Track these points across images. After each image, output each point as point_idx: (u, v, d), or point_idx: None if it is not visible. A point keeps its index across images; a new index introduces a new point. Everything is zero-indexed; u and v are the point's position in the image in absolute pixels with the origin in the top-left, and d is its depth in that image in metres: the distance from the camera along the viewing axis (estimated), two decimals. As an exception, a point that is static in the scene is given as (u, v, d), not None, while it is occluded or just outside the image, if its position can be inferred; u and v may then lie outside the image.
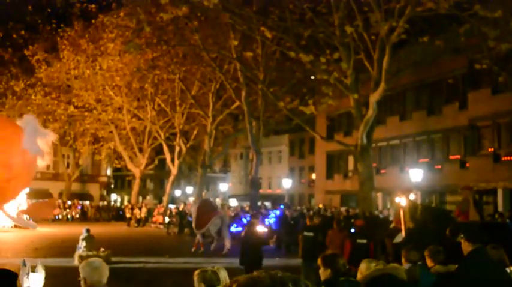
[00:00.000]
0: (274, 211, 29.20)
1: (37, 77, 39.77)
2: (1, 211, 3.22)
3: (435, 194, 32.68)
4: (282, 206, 30.85)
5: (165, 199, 45.42)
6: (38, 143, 3.06)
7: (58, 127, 44.54)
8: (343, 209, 30.98)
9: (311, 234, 13.80)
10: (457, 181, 27.12)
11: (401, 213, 12.09)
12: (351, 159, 38.01)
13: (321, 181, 45.50)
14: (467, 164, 29.67)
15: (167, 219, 36.44)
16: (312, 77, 32.82)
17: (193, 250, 22.17)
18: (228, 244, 21.67)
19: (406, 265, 6.60)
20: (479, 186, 25.55)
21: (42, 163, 3.23)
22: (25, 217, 3.52)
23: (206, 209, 22.87)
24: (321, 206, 33.96)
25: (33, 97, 40.69)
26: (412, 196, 13.95)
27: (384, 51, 22.93)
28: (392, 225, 15.20)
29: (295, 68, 32.72)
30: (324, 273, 5.26)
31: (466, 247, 5.88)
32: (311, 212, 29.64)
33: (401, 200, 12.51)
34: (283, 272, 2.21)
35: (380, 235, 15.49)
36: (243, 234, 14.66)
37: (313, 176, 49.75)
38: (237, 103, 35.47)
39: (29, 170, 3.12)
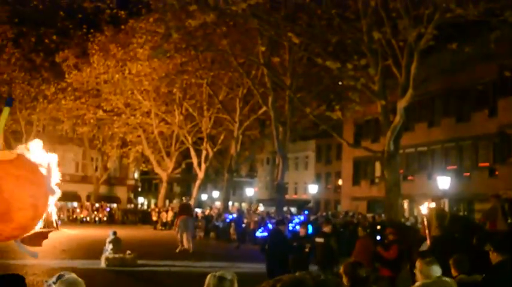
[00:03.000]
0: (299, 216, 29.12)
1: (67, 81, 40.37)
2: (17, 243, 3.67)
3: (463, 202, 32.26)
4: (306, 212, 30.76)
5: (191, 203, 45.54)
6: (52, 184, 3.52)
7: (87, 131, 45.27)
8: (369, 215, 30.77)
9: (321, 240, 13.57)
10: (486, 189, 26.68)
11: (425, 221, 11.94)
12: (378, 165, 37.74)
13: (348, 187, 45.26)
14: (497, 172, 29.26)
15: (193, 223, 36.53)
16: (340, 83, 32.69)
17: (177, 250, 23.10)
18: (186, 245, 23.14)
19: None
20: (508, 194, 25.11)
21: (52, 199, 3.63)
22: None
23: (182, 212, 24.51)
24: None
25: (63, 101, 41.30)
26: (433, 204, 13.68)
27: (412, 57, 22.70)
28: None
29: (323, 74, 32.59)
30: (344, 281, 5.29)
31: (495, 257, 5.76)
32: (342, 217, 29.48)
33: (425, 208, 12.35)
34: None
35: (407, 243, 15.31)
36: (266, 246, 13.49)
37: (340, 182, 49.53)
38: (264, 108, 35.47)
39: (46, 207, 3.60)
